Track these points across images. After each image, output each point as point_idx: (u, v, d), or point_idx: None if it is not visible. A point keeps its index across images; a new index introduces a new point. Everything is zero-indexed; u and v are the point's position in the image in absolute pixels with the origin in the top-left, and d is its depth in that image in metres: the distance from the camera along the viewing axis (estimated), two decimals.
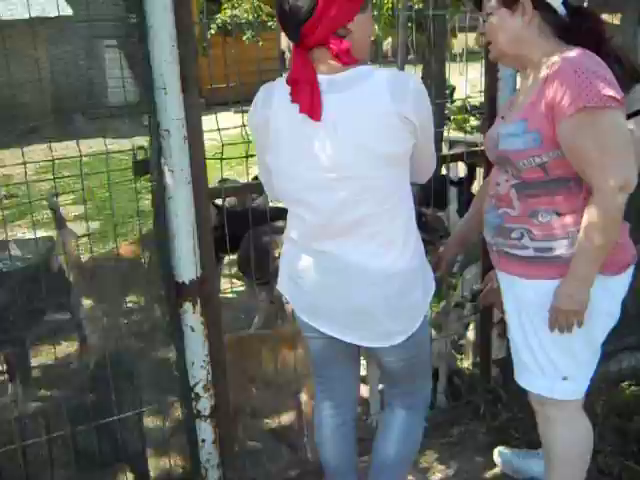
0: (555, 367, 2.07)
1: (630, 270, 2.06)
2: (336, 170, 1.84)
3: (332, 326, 2.03)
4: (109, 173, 2.28)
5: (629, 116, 2.21)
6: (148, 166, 2.16)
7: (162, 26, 1.99)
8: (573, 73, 1.84)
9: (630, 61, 2.19)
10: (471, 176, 4.79)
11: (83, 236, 5.86)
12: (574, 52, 1.91)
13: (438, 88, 4.53)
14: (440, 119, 3.94)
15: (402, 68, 5.85)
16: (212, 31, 11.93)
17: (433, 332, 2.99)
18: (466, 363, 3.32)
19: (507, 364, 2.63)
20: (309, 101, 1.81)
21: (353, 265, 1.92)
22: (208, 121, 2.30)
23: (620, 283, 2.05)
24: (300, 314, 2.10)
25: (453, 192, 4.68)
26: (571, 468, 2.25)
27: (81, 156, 2.15)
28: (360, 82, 1.81)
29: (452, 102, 8.80)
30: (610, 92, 1.80)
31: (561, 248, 1.95)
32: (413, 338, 2.02)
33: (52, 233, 4.67)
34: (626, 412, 2.92)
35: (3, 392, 3.05)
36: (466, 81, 2.92)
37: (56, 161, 2.21)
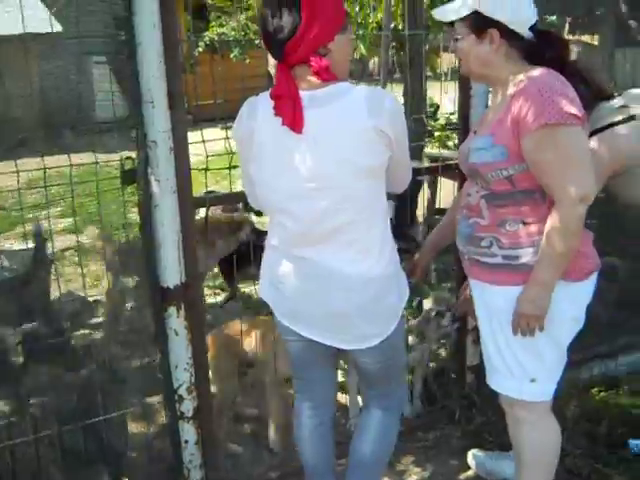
0: (523, 369, 2.18)
1: (593, 277, 2.17)
2: (316, 180, 1.95)
3: (312, 330, 2.13)
4: (98, 184, 2.37)
5: (592, 133, 2.35)
6: (135, 175, 2.25)
7: (150, 43, 2.10)
8: (537, 92, 1.97)
9: (595, 81, 2.33)
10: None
11: (70, 248, 5.95)
12: (539, 71, 2.04)
13: (417, 105, 4.68)
14: (420, 134, 4.08)
15: (384, 86, 5.99)
16: (200, 49, 12.09)
17: (414, 339, 3.09)
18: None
19: (481, 370, 2.73)
20: (291, 115, 1.92)
21: (332, 271, 2.02)
22: (194, 136, 2.41)
23: (584, 289, 2.16)
24: (281, 319, 2.19)
25: None
26: (540, 468, 2.35)
27: (71, 165, 2.24)
28: (339, 98, 1.93)
29: (435, 120, 8.96)
30: (571, 110, 1.93)
31: (527, 256, 2.07)
32: (388, 341, 2.12)
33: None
34: (596, 417, 3.02)
35: None
36: (455, 98, 3.01)
37: (45, 174, 2.30)
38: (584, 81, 2.22)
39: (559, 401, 2.96)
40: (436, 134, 8.83)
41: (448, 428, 3.09)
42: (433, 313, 3.02)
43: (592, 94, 2.31)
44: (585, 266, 2.13)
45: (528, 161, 2.00)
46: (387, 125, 1.93)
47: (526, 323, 2.06)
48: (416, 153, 4.50)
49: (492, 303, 2.19)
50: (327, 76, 1.94)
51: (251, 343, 2.89)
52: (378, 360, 2.19)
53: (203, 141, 2.33)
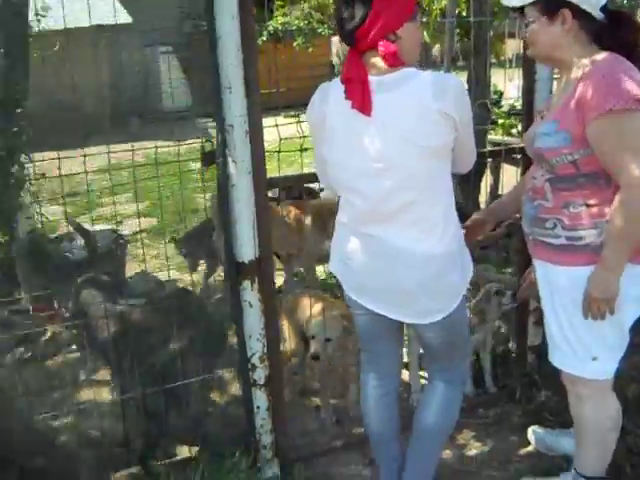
0: (585, 348, 2.24)
1: None
2: (383, 161, 2.06)
3: (377, 303, 2.25)
4: (180, 167, 2.56)
5: None
6: (214, 157, 2.40)
7: (229, 34, 2.25)
8: (601, 77, 2.02)
9: None
10: None
11: (139, 232, 6.23)
12: (604, 56, 2.08)
13: (481, 91, 4.72)
14: (484, 119, 4.15)
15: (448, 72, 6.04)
16: (263, 37, 12.27)
17: (474, 318, 3.17)
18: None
19: (542, 350, 2.80)
20: (360, 99, 2.04)
21: (396, 249, 2.13)
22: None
23: None
24: (349, 292, 2.32)
25: None
26: (599, 444, 2.41)
27: (156, 147, 2.42)
28: (406, 82, 2.04)
29: (499, 107, 8.91)
30: (636, 95, 1.97)
31: (590, 237, 2.13)
32: (451, 317, 2.22)
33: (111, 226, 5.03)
34: None
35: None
36: (519, 84, 3.07)
37: (113, 162, 2.50)
38: None
39: (620, 381, 3.01)
40: (500, 121, 8.79)
41: (508, 406, 3.16)
42: (493, 291, 3.08)
43: None
44: None
45: (593, 146, 2.05)
46: (452, 108, 2.02)
47: (597, 307, 2.12)
48: (479, 139, 4.55)
49: (555, 283, 2.25)
50: (394, 61, 2.05)
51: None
52: (441, 335, 2.29)
53: (276, 125, 2.46)
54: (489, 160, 5.22)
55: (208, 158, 2.41)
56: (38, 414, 2.55)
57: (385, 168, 2.07)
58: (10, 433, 2.50)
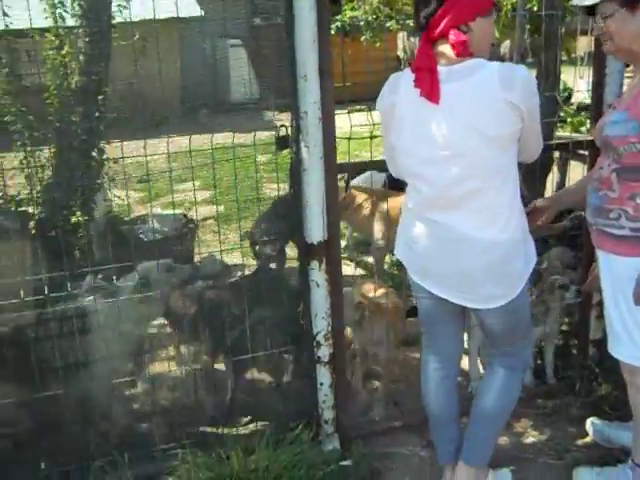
0: None
1: None
2: (449, 148, 2.13)
3: (440, 287, 2.32)
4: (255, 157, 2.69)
5: None
6: (288, 142, 2.52)
7: (306, 25, 2.36)
8: None
9: None
10: None
11: (209, 218, 6.44)
12: None
13: (550, 86, 4.70)
14: (552, 112, 4.16)
15: None
16: (332, 31, 12.34)
17: (538, 309, 3.19)
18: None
19: (604, 344, 2.81)
20: (429, 87, 2.12)
21: (461, 235, 2.20)
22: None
23: None
24: (413, 275, 2.40)
25: None
26: None
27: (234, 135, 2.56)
28: (474, 72, 2.10)
29: (569, 105, 8.78)
30: None
31: None
32: (513, 303, 2.27)
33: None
34: None
35: None
36: (589, 82, 3.06)
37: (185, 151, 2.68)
38: None
39: None
40: (569, 120, 8.68)
41: (568, 398, 3.18)
42: (558, 284, 3.10)
43: None
44: None
45: None
46: (519, 98, 2.08)
47: None
48: (547, 132, 4.55)
49: (617, 273, 2.28)
50: (463, 51, 2.12)
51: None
52: (503, 321, 2.34)
53: (348, 112, 2.56)
54: (556, 156, 5.20)
55: (282, 143, 2.53)
56: (118, 380, 2.72)
57: (451, 155, 2.14)
58: (92, 397, 2.69)
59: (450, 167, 2.16)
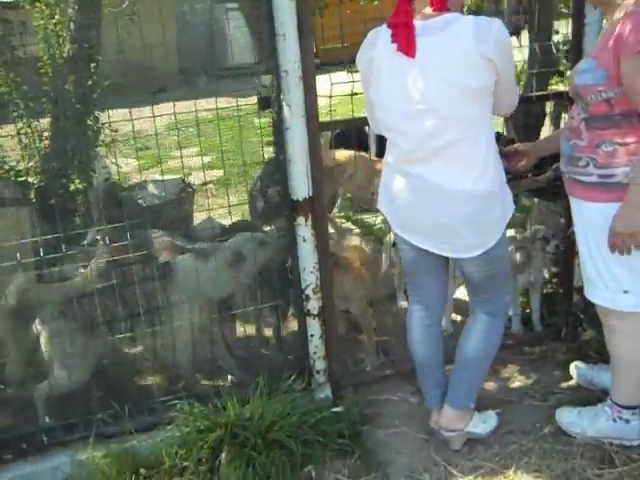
0: (617, 281, 2.35)
1: None
2: (425, 102, 2.20)
3: (421, 238, 2.41)
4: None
5: None
6: (269, 102, 2.58)
7: None
8: None
9: None
10: None
11: (207, 183, 6.50)
12: None
13: (542, 35, 4.77)
14: (546, 63, 4.24)
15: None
16: None
17: (520, 257, 3.28)
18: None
19: None
20: (405, 42, 2.18)
21: (439, 186, 2.28)
22: (324, 81, 2.71)
23: None
24: (395, 229, 2.49)
25: None
26: (633, 374, 2.51)
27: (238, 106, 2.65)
28: (448, 26, 2.16)
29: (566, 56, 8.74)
30: None
31: (620, 175, 2.21)
32: (491, 251, 2.36)
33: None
34: None
35: None
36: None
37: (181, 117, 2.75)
38: None
39: None
40: (568, 72, 8.59)
41: (554, 344, 3.29)
42: (540, 236, 3.18)
43: None
44: None
45: (625, 85, 2.11)
46: (493, 51, 2.13)
47: (621, 241, 2.22)
48: (541, 84, 4.59)
49: (588, 219, 2.35)
50: (439, 5, 2.17)
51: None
52: (482, 269, 2.43)
53: (332, 84, 2.64)
54: (549, 110, 5.22)
55: (264, 102, 2.59)
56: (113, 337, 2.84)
57: (427, 109, 2.20)
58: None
59: (426, 120, 2.22)
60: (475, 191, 2.26)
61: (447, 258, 2.52)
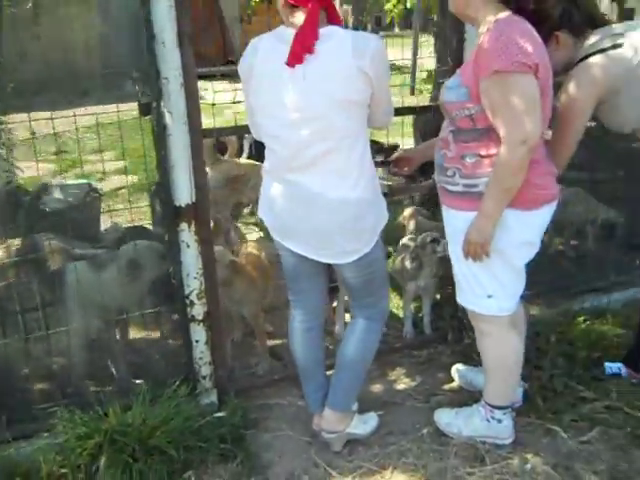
0: (482, 286, 2.46)
1: (548, 207, 2.39)
2: (302, 111, 2.25)
3: (299, 245, 2.46)
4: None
5: (581, 60, 2.51)
6: (150, 108, 2.58)
7: None
8: (496, 38, 2.17)
9: (586, 9, 2.52)
10: None
11: (121, 188, 6.42)
12: (504, 16, 2.24)
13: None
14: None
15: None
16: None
17: (411, 265, 3.39)
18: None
19: None
20: (291, 51, 2.22)
21: (315, 194, 2.34)
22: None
23: (538, 217, 2.39)
24: (274, 235, 2.53)
25: None
26: (502, 375, 2.64)
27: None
28: (329, 39, 2.22)
29: None
30: (522, 59, 2.11)
31: (482, 185, 2.31)
32: (367, 257, 2.43)
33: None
34: (578, 342, 3.27)
35: None
36: None
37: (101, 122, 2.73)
38: (577, 8, 2.45)
39: (545, 327, 3.25)
40: None
41: (441, 347, 3.41)
42: (428, 239, 3.28)
43: (584, 21, 2.51)
44: (538, 197, 2.34)
45: (483, 103, 2.21)
46: (369, 66, 2.21)
47: (473, 249, 2.33)
48: None
49: (455, 226, 2.46)
50: (334, 19, 2.26)
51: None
52: (359, 274, 2.50)
53: (212, 77, 2.64)
54: None
55: (145, 108, 2.59)
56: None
57: (304, 118, 2.26)
58: None
59: (302, 129, 2.28)
60: (350, 199, 2.33)
61: (327, 264, 2.58)
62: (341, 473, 2.62)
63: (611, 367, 3.07)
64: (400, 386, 3.15)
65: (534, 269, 3.63)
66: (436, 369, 3.25)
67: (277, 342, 3.50)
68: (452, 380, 3.13)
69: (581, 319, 3.43)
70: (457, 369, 3.11)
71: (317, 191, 2.33)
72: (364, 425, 2.76)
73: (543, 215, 2.40)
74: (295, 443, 2.79)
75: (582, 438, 2.73)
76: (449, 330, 3.38)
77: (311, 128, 2.27)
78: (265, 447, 2.77)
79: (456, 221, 2.44)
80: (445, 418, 2.79)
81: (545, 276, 3.80)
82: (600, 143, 3.78)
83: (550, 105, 2.34)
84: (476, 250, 2.33)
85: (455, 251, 2.48)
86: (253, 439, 2.80)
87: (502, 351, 2.58)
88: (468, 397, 2.95)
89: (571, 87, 2.49)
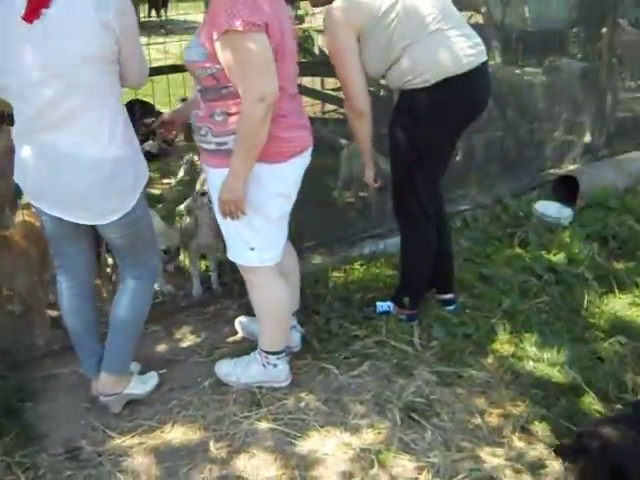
0: (243, 239, 2.55)
1: (299, 159, 2.50)
2: (44, 69, 2.17)
3: (54, 207, 2.39)
4: None
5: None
6: None
7: None
8: None
9: None
10: None
11: None
12: None
13: None
14: None
15: None
16: None
17: (188, 220, 3.42)
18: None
19: None
20: (28, 6, 2.11)
21: (66, 154, 2.28)
22: None
23: (289, 169, 2.49)
24: (30, 199, 2.45)
25: None
26: (272, 323, 2.76)
27: None
28: None
29: None
30: (250, 18, 2.15)
31: (231, 142, 2.36)
32: (128, 217, 2.42)
33: None
34: (354, 286, 3.51)
35: None
36: None
37: None
38: None
39: (324, 274, 3.44)
40: None
41: (228, 302, 3.49)
42: (199, 192, 3.31)
43: None
44: (286, 150, 2.44)
45: (220, 62, 2.25)
46: (113, 19, 2.16)
47: (227, 208, 2.40)
48: None
49: (213, 183, 2.52)
50: None
51: None
52: (122, 234, 2.48)
53: None
54: None
55: None
56: None
57: (47, 76, 2.18)
58: None
59: (46, 88, 2.20)
60: (103, 158, 2.30)
61: (90, 227, 2.53)
62: (121, 433, 2.63)
63: (382, 306, 3.31)
64: (185, 344, 3.20)
65: (317, 221, 3.86)
66: (222, 324, 3.33)
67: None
68: (236, 333, 3.23)
69: (358, 264, 3.67)
70: (240, 321, 3.21)
71: (68, 151, 2.27)
72: (143, 385, 2.78)
73: (294, 167, 2.50)
74: (74, 410, 2.76)
75: (353, 373, 2.94)
76: (234, 285, 3.47)
77: (55, 86, 2.19)
78: (43, 418, 2.71)
79: (214, 178, 2.49)
80: (225, 368, 2.89)
81: (327, 227, 4.03)
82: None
83: (293, 59, 2.44)
84: (230, 208, 2.39)
85: (217, 207, 2.53)
86: (32, 411, 2.73)
87: (270, 300, 2.70)
88: (250, 347, 3.04)
89: (325, 29, 2.72)
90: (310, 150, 2.58)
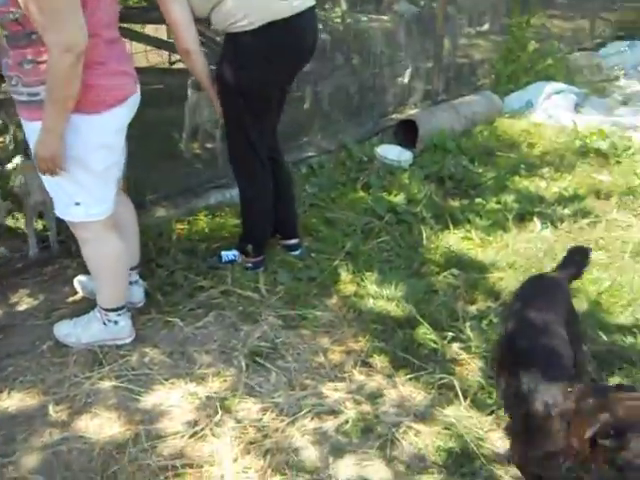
0: (68, 195, 2.44)
1: (121, 108, 2.40)
2: None
3: None
4: None
5: None
6: None
7: None
8: None
9: None
10: None
11: None
12: None
13: None
14: None
15: None
16: None
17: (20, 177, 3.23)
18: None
19: None
20: None
21: None
22: None
23: (110, 119, 2.38)
24: None
25: None
26: (108, 277, 2.68)
27: None
28: None
29: None
30: None
31: (44, 93, 2.21)
32: None
33: None
34: (198, 237, 3.48)
35: None
36: None
37: None
38: None
39: (168, 226, 3.38)
40: None
41: (66, 262, 3.34)
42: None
43: None
44: (105, 98, 2.33)
45: (21, 6, 2.08)
46: None
47: (45, 165, 2.29)
48: None
49: (30, 138, 2.37)
50: None
51: None
52: None
53: None
54: None
55: None
56: None
57: None
58: None
59: None
60: None
61: None
62: None
63: (227, 255, 3.31)
64: (22, 307, 3.04)
65: (161, 174, 3.77)
66: (61, 284, 3.19)
67: None
68: (76, 293, 3.12)
69: (203, 215, 3.64)
70: (79, 280, 3.10)
71: None
72: None
73: (116, 117, 2.40)
74: None
75: (198, 324, 2.94)
76: (72, 243, 3.32)
77: None
78: None
79: (29, 132, 2.34)
80: (64, 330, 2.79)
81: (172, 179, 3.95)
82: None
83: (106, 5, 2.31)
84: (47, 165, 2.28)
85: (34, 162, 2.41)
86: None
87: (103, 255, 2.62)
88: (90, 307, 2.93)
89: None
90: (135, 98, 2.49)
